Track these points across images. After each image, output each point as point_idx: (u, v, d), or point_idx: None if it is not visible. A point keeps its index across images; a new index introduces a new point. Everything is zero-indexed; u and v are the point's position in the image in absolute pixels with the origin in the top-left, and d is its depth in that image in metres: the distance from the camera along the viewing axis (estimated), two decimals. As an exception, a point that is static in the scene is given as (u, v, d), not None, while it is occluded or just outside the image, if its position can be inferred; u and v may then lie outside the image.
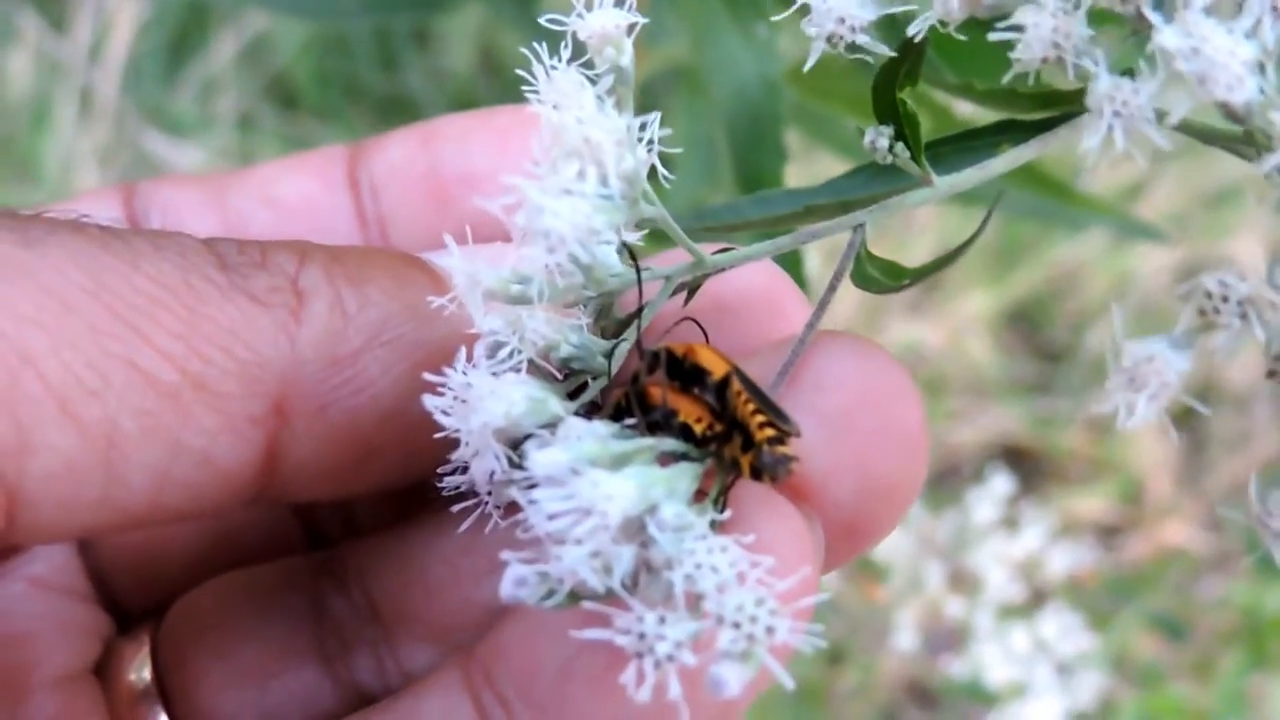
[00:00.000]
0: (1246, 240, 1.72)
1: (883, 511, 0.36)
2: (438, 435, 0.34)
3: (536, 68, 0.35)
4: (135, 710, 0.42)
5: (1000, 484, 1.47)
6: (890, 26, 0.37)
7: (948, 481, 1.68)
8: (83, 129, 1.55)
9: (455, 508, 0.37)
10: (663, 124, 0.35)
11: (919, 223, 1.57)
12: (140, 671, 0.43)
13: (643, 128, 0.35)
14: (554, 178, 0.33)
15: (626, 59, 0.37)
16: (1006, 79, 0.35)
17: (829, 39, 0.37)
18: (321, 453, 0.35)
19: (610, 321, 0.38)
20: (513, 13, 0.87)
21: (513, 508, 0.34)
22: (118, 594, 0.45)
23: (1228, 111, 0.32)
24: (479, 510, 0.36)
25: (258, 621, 0.42)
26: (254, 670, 0.42)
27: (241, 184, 0.45)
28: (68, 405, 0.30)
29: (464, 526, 0.36)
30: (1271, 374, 0.33)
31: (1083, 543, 1.56)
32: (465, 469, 0.36)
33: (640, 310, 0.38)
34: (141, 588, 0.45)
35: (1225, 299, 0.33)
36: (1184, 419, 0.32)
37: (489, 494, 0.36)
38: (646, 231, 0.36)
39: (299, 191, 0.45)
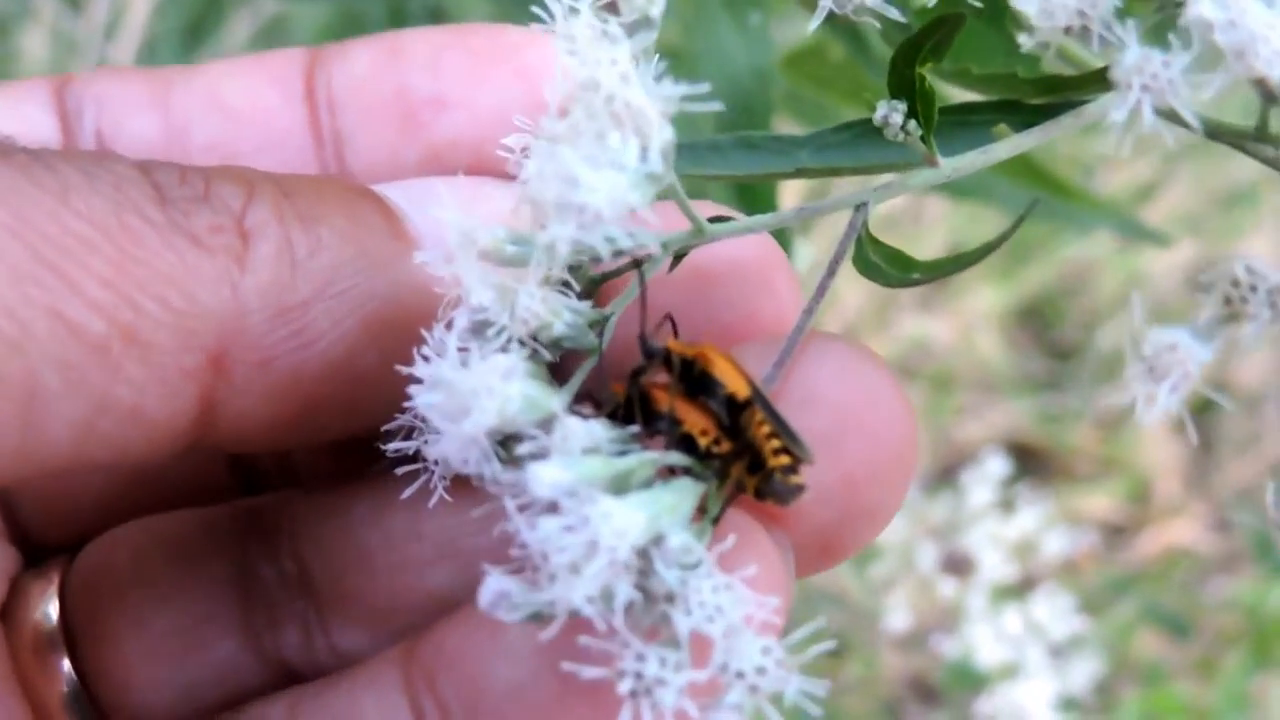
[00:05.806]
0: (1259, 240, 1.71)
1: (861, 533, 0.35)
2: (397, 372, 0.32)
3: (554, 6, 0.31)
4: (39, 658, 0.40)
5: (996, 465, 1.46)
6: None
7: (954, 477, 1.68)
8: (97, 107, 1.55)
9: (400, 470, 0.34)
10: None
11: (929, 216, 1.57)
12: (46, 611, 0.40)
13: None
14: (589, 144, 0.30)
15: (657, 8, 0.33)
16: (1022, 42, 0.32)
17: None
18: (261, 407, 0.33)
19: (584, 281, 0.35)
20: (520, -1, 0.87)
21: (460, 483, 0.32)
22: (26, 526, 0.42)
23: (1264, 89, 0.31)
24: (425, 479, 0.34)
25: (178, 583, 0.40)
26: (173, 640, 0.39)
27: (188, 82, 0.41)
28: None
29: (407, 493, 0.34)
30: None
31: (1083, 530, 1.56)
32: (411, 433, 0.33)
33: (640, 286, 0.34)
34: (53, 522, 0.42)
35: (1254, 288, 0.31)
36: (1194, 417, 0.32)
37: (436, 464, 0.33)
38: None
39: (251, 97, 0.41)
